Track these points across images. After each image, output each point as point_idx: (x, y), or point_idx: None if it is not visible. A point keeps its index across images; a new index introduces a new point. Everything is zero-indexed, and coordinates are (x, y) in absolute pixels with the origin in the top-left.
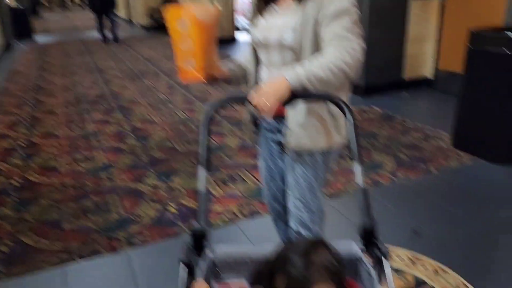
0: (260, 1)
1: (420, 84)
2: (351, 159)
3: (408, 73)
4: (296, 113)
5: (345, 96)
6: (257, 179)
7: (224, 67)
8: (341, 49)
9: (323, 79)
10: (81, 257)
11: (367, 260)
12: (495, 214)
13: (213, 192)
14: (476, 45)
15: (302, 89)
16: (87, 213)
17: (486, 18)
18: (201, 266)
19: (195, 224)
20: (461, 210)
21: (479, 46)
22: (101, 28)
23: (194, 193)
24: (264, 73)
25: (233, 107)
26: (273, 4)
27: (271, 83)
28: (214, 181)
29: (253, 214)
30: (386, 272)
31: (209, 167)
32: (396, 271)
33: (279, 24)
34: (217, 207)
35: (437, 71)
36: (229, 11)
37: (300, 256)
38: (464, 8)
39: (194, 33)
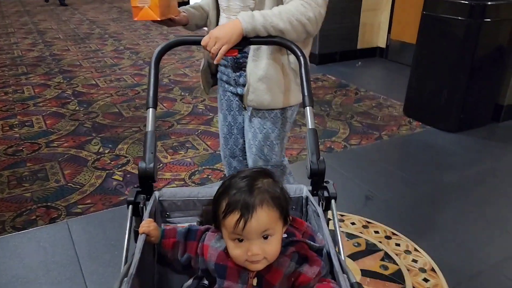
0: None
1: (373, 53)
2: (304, 106)
3: (362, 42)
4: (257, 67)
5: (307, 53)
6: (208, 146)
7: (182, 9)
8: (303, 2)
9: (281, 29)
10: (15, 228)
11: (315, 201)
12: (443, 179)
13: (163, 159)
14: (430, 10)
15: (256, 36)
16: (22, 182)
17: None
18: (148, 206)
19: (141, 164)
20: (411, 175)
21: (433, 12)
22: None
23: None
24: (223, 20)
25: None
26: None
27: (224, 26)
28: (164, 148)
29: (203, 181)
30: (333, 212)
31: (156, 106)
32: (348, 235)
33: None
34: (166, 174)
35: (390, 40)
36: None
37: (243, 180)
38: None
39: None
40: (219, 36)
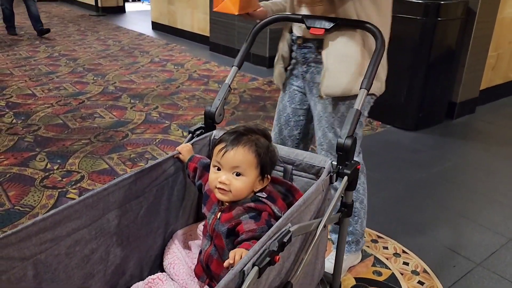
0: None
1: None
2: (360, 87)
3: None
4: (334, 46)
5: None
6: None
7: (260, 4)
8: None
9: None
10: None
11: (326, 173)
12: (412, 177)
13: (121, 172)
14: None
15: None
16: None
17: None
18: (198, 138)
19: (207, 107)
20: (380, 175)
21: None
22: None
23: (97, 176)
24: (303, 11)
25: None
26: None
27: None
28: (121, 160)
29: None
30: (340, 187)
31: (239, 66)
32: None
33: None
34: None
35: None
36: None
37: (243, 128)
38: None
39: None
40: None
